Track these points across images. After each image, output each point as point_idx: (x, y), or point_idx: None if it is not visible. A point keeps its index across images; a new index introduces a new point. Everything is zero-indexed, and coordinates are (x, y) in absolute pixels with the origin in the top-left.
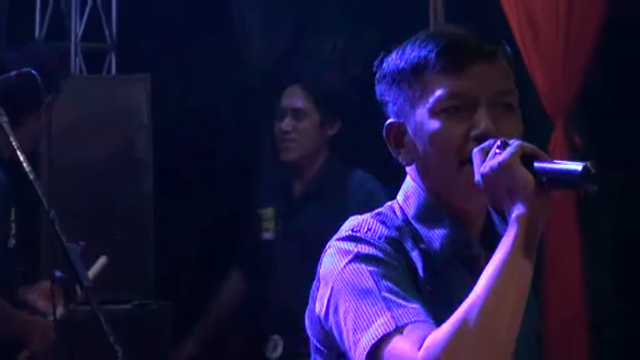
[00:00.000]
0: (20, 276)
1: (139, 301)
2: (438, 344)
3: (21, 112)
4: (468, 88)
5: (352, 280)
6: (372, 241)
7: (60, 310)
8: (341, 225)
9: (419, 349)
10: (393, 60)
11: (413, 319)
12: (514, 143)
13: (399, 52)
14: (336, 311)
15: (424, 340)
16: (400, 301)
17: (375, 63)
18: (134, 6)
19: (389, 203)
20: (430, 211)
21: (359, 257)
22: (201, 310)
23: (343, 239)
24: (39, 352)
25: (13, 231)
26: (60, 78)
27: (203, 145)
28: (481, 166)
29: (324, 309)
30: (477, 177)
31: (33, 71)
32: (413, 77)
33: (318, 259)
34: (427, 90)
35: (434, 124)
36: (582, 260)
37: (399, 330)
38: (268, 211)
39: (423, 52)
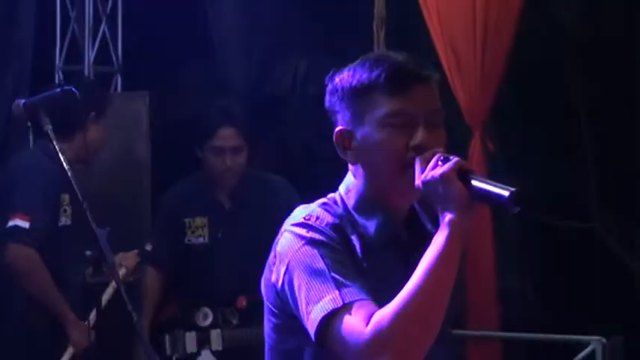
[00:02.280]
0: (86, 258)
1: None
2: (384, 321)
3: (68, 127)
4: (410, 108)
5: (306, 260)
6: (320, 228)
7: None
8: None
9: (366, 325)
10: (346, 78)
11: (359, 298)
12: (454, 159)
13: (351, 72)
14: (290, 284)
15: (371, 316)
16: (347, 281)
17: (327, 78)
18: (136, 36)
19: (330, 195)
20: (367, 204)
21: (311, 242)
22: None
23: (297, 225)
24: (80, 352)
25: (68, 212)
26: (100, 99)
27: (191, 149)
28: (422, 172)
29: (280, 280)
30: (418, 182)
31: (74, 89)
32: (364, 95)
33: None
34: (376, 106)
35: (380, 135)
36: (494, 246)
37: (346, 307)
38: (200, 220)
39: (373, 75)
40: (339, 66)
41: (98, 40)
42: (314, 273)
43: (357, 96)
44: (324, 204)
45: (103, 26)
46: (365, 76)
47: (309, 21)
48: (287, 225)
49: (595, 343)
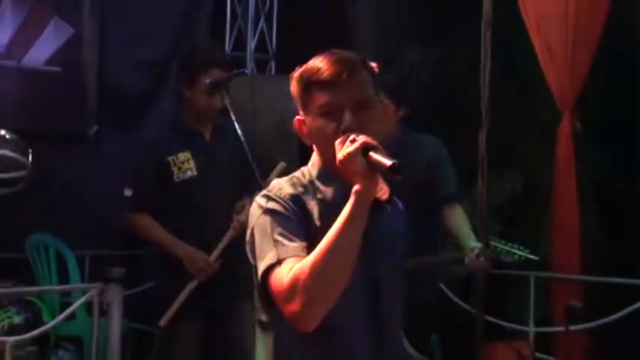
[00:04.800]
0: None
1: None
2: (300, 270)
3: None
4: (336, 99)
5: (260, 226)
6: (277, 199)
7: None
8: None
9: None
10: (298, 75)
11: (290, 255)
12: (360, 139)
13: (303, 69)
14: (253, 244)
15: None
16: (285, 242)
17: (295, 73)
18: (287, 30)
19: (303, 167)
20: (325, 175)
21: (266, 211)
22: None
23: (261, 196)
24: (202, 281)
25: (187, 167)
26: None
27: None
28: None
29: (249, 241)
30: (337, 161)
31: (245, 71)
32: (307, 89)
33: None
34: (313, 99)
35: (317, 122)
36: (578, 206)
37: (279, 262)
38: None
39: (312, 73)
40: (446, 59)
41: (258, 32)
42: (264, 236)
43: (303, 90)
44: (293, 176)
45: (261, 22)
46: (307, 73)
47: (423, 20)
48: (257, 195)
49: None
